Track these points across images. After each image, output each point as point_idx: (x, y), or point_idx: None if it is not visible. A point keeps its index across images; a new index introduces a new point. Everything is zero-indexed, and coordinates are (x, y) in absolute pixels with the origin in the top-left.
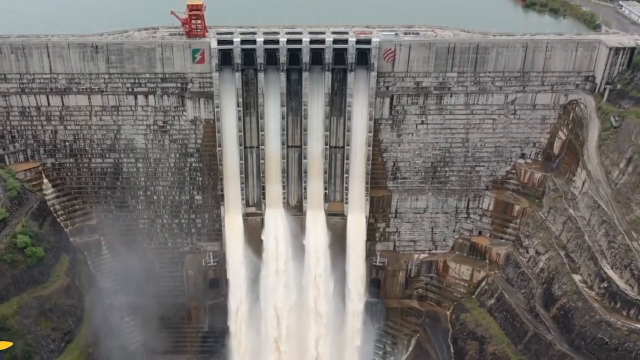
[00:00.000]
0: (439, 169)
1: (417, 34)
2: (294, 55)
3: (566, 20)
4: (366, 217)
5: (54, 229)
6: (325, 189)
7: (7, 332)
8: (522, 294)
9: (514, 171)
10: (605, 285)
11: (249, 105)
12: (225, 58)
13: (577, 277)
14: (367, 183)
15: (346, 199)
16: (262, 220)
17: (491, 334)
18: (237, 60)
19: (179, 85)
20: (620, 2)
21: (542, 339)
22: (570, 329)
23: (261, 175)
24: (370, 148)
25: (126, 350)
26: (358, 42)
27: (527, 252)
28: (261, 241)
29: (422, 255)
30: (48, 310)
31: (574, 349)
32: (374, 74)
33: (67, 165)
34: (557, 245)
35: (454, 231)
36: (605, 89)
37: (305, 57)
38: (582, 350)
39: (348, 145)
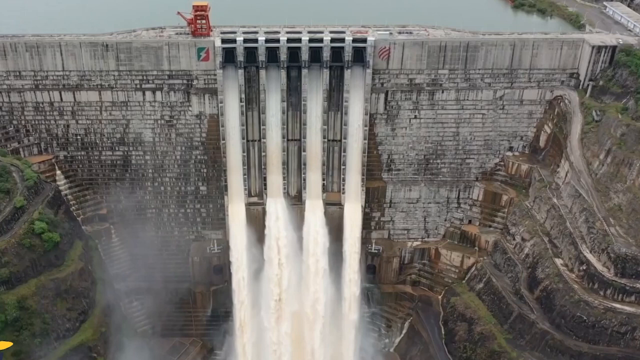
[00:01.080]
0: (431, 161)
1: (411, 33)
2: (294, 54)
3: (553, 20)
4: (362, 206)
5: (68, 217)
6: (324, 180)
7: (27, 311)
8: (509, 278)
9: (502, 163)
10: (585, 267)
11: (251, 101)
12: (228, 56)
13: (559, 261)
14: (363, 174)
15: (343, 189)
16: (264, 209)
17: (479, 316)
18: (240, 58)
19: (184, 81)
20: (605, 3)
21: (526, 319)
22: (552, 309)
23: (263, 167)
24: (366, 141)
25: (135, 332)
26: (354, 41)
27: (514, 239)
28: (263, 229)
29: (415, 243)
30: (64, 292)
31: (555, 327)
32: (369, 71)
33: (79, 157)
34: (541, 232)
35: (445, 220)
36: (588, 85)
37: (305, 55)
38: (562, 328)
39: (345, 138)
